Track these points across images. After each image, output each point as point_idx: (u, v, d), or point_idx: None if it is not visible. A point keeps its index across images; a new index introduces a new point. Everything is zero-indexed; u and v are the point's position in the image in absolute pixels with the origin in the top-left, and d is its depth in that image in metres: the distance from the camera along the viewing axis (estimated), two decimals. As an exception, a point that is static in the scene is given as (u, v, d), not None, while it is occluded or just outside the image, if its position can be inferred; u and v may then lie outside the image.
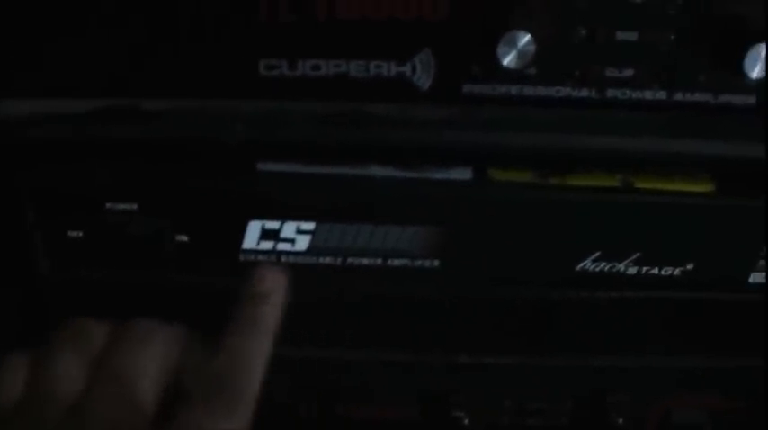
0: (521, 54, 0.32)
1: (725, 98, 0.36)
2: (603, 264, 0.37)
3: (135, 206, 0.37)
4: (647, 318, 0.39)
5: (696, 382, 0.44)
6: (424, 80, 0.35)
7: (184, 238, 0.37)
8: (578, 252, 0.37)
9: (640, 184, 0.36)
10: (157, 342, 0.30)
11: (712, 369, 0.43)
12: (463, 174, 0.36)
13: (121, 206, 0.37)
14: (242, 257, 0.37)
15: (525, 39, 0.32)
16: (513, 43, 0.32)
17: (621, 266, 0.37)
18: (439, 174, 0.36)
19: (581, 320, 0.38)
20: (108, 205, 0.37)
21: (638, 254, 0.37)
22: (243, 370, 0.29)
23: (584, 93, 0.35)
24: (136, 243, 0.38)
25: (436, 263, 0.37)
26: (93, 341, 0.30)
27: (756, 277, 0.39)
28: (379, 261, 0.37)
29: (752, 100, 0.36)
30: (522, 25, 0.32)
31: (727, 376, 0.44)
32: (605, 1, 0.33)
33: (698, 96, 0.36)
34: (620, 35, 0.34)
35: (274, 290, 0.31)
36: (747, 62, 0.33)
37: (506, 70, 0.33)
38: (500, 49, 0.32)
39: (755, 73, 0.33)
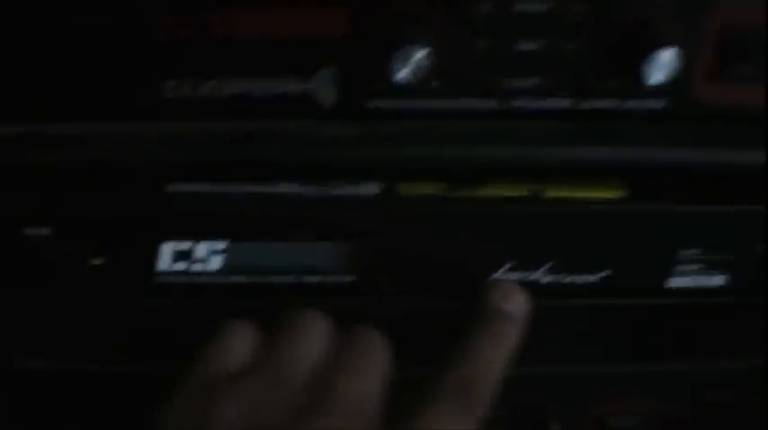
0: (416, 69, 0.32)
1: (632, 104, 0.36)
2: (518, 273, 0.37)
3: (50, 231, 0.37)
4: (568, 325, 0.39)
5: (629, 388, 0.44)
6: (327, 97, 0.35)
7: (99, 262, 0.37)
8: (492, 262, 0.37)
9: (550, 193, 0.36)
10: (377, 354, 0.33)
11: (643, 374, 0.43)
12: (372, 188, 0.36)
13: (36, 231, 0.37)
14: (157, 279, 0.37)
15: (420, 53, 0.32)
16: (407, 58, 0.32)
17: (536, 275, 0.37)
18: (347, 190, 0.36)
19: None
20: (23, 230, 0.37)
21: (552, 262, 0.37)
22: (487, 378, 0.32)
23: (489, 104, 0.35)
24: (51, 267, 0.38)
25: (350, 278, 0.37)
26: (321, 343, 0.33)
27: (676, 281, 0.39)
28: (294, 278, 0.37)
29: (659, 105, 0.36)
30: (419, 40, 0.32)
31: (659, 380, 0.44)
32: (505, 12, 0.33)
33: (604, 103, 0.36)
34: (522, 45, 0.34)
35: (521, 312, 0.35)
36: (648, 69, 0.33)
37: (404, 85, 0.33)
38: (395, 65, 0.32)
39: (656, 79, 0.33)
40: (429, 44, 0.32)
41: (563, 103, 0.35)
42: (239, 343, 0.33)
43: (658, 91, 0.36)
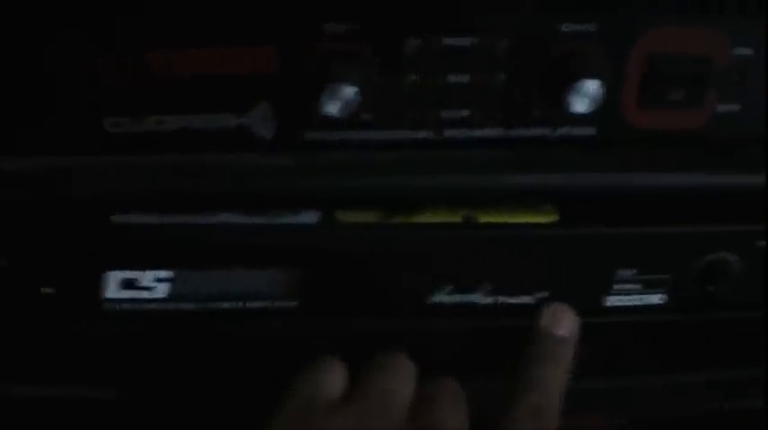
0: (344, 105, 0.33)
1: (562, 131, 0.37)
2: (457, 296, 0.38)
3: (5, 261, 0.38)
4: (510, 346, 0.40)
5: (576, 403, 0.45)
6: (264, 130, 0.36)
7: (50, 290, 0.39)
8: (430, 286, 0.38)
9: (483, 219, 0.37)
10: (461, 396, 0.34)
11: (589, 390, 0.44)
12: (311, 217, 0.37)
13: (-9, 261, 0.39)
14: (105, 306, 0.38)
15: (349, 89, 0.33)
16: (336, 94, 0.33)
17: (475, 297, 0.39)
18: (287, 219, 0.37)
19: (440, 351, 0.39)
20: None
21: (490, 285, 0.38)
22: (554, 401, 0.34)
23: (421, 134, 0.36)
24: (4, 297, 0.39)
25: (294, 303, 0.38)
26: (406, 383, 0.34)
27: (613, 300, 0.40)
28: (239, 304, 0.38)
29: (590, 131, 0.37)
30: (347, 76, 0.33)
31: (606, 396, 0.45)
32: (432, 48, 0.34)
33: (534, 131, 0.37)
34: (451, 79, 0.35)
35: (572, 333, 0.37)
36: (572, 99, 0.34)
37: (338, 118, 0.34)
38: (323, 101, 0.33)
39: (580, 108, 0.34)
40: (357, 80, 0.33)
41: (494, 132, 0.36)
42: (335, 376, 0.34)
43: (588, 118, 0.37)
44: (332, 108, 0.33)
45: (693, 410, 0.48)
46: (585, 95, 0.34)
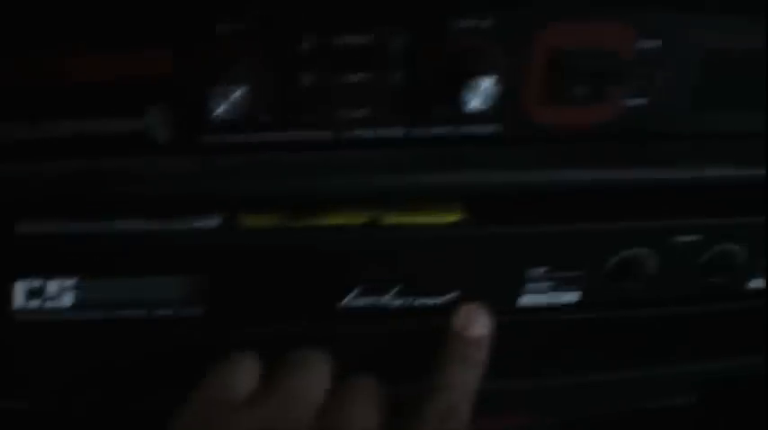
0: (233, 106, 0.32)
1: (465, 130, 0.37)
2: (366, 298, 0.38)
3: None
4: (422, 348, 0.39)
5: (504, 404, 0.45)
6: (161, 134, 0.35)
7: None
8: (339, 289, 0.37)
9: (388, 220, 0.36)
10: (375, 396, 0.34)
11: (516, 390, 0.44)
12: (213, 221, 0.36)
13: None
14: (15, 317, 0.38)
15: (238, 91, 0.32)
16: (224, 96, 0.32)
17: (386, 299, 0.38)
18: (189, 224, 0.36)
19: (352, 355, 0.39)
20: None
21: (399, 286, 0.38)
22: (464, 401, 0.34)
23: (321, 135, 0.36)
24: None
25: (201, 310, 0.38)
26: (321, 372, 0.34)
27: (526, 299, 0.40)
28: (146, 311, 0.38)
29: (493, 129, 0.37)
30: (236, 78, 0.33)
31: (534, 396, 0.44)
32: (326, 47, 0.34)
33: (437, 130, 0.36)
34: (348, 78, 0.35)
35: (485, 334, 0.36)
36: (468, 96, 0.33)
37: (236, 120, 0.34)
38: (212, 103, 0.32)
39: (476, 106, 0.34)
40: (248, 82, 0.33)
41: (395, 131, 0.36)
42: (244, 374, 0.34)
43: (491, 115, 0.36)
44: (220, 110, 0.32)
45: (621, 408, 0.48)
46: (481, 93, 0.33)
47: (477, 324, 0.36)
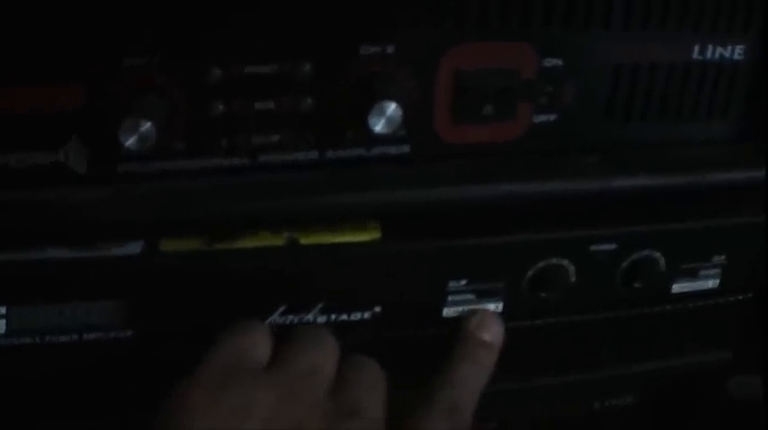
0: (142, 138, 0.33)
1: (377, 151, 0.38)
2: (291, 316, 0.39)
3: None
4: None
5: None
6: (78, 165, 0.36)
7: None
8: (264, 308, 0.38)
9: (305, 240, 0.38)
10: (379, 374, 0.35)
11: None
12: (134, 247, 0.37)
13: None
14: (-50, 345, 0.39)
15: (148, 123, 0.33)
16: (135, 127, 0.33)
17: (310, 317, 0.39)
18: (112, 251, 0.37)
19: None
20: None
21: (322, 304, 0.39)
22: (469, 401, 0.35)
23: (236, 161, 0.37)
24: None
25: (129, 333, 0.39)
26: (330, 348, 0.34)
27: (450, 311, 0.41)
28: (75, 337, 0.39)
29: (405, 149, 0.38)
30: (144, 110, 0.34)
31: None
32: (236, 76, 0.35)
33: (349, 152, 0.37)
34: (258, 105, 0.36)
35: (497, 339, 0.37)
36: (372, 119, 0.34)
37: (151, 149, 0.35)
38: (122, 135, 0.33)
39: (381, 129, 0.35)
40: (157, 113, 0.34)
41: (308, 155, 0.37)
42: (261, 340, 0.34)
43: (402, 136, 0.37)
44: (131, 141, 0.33)
45: (564, 411, 0.49)
46: (386, 116, 0.34)
47: (492, 329, 0.38)
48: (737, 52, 0.41)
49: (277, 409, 0.31)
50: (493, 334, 0.38)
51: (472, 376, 0.36)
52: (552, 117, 0.39)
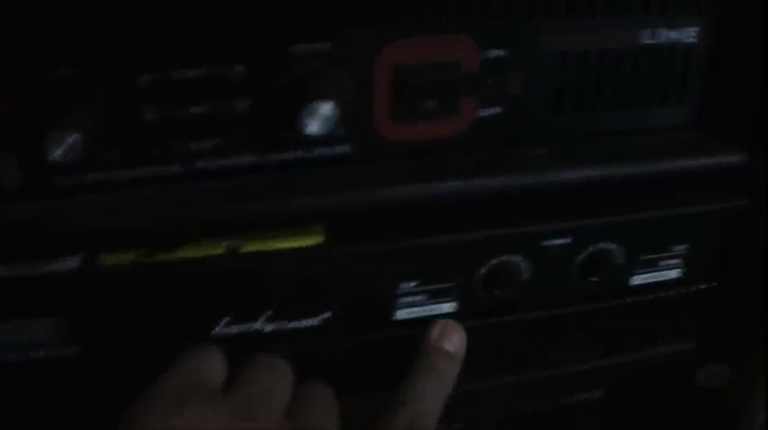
0: (73, 147, 0.32)
1: (318, 152, 0.37)
2: (238, 326, 0.38)
3: None
4: (301, 370, 0.39)
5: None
6: (12, 179, 0.35)
7: None
8: (209, 318, 0.38)
9: (247, 248, 0.37)
10: (331, 397, 0.35)
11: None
12: (72, 262, 0.36)
13: None
14: None
15: (77, 134, 0.32)
16: (64, 138, 0.32)
17: (257, 326, 0.38)
18: (51, 266, 0.36)
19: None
20: None
21: (270, 311, 0.38)
22: (431, 412, 0.35)
23: (173, 169, 0.36)
24: None
25: (75, 349, 0.38)
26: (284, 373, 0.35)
27: (402, 314, 0.40)
28: (21, 354, 0.38)
29: (346, 149, 0.37)
30: (73, 120, 0.33)
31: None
32: (167, 81, 0.34)
33: (289, 154, 0.36)
34: (193, 110, 0.35)
35: (459, 350, 0.37)
36: (306, 120, 0.33)
37: (84, 160, 0.34)
38: (48, 147, 0.32)
39: (313, 129, 0.33)
40: (91, 122, 0.33)
41: (247, 158, 0.36)
42: (216, 364, 0.34)
43: (343, 137, 0.36)
44: (59, 152, 0.32)
45: (524, 409, 0.48)
46: (319, 117, 0.33)
47: (454, 338, 0.37)
48: (690, 35, 0.40)
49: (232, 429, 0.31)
50: (455, 343, 0.37)
51: (435, 389, 0.36)
52: (498, 110, 0.38)
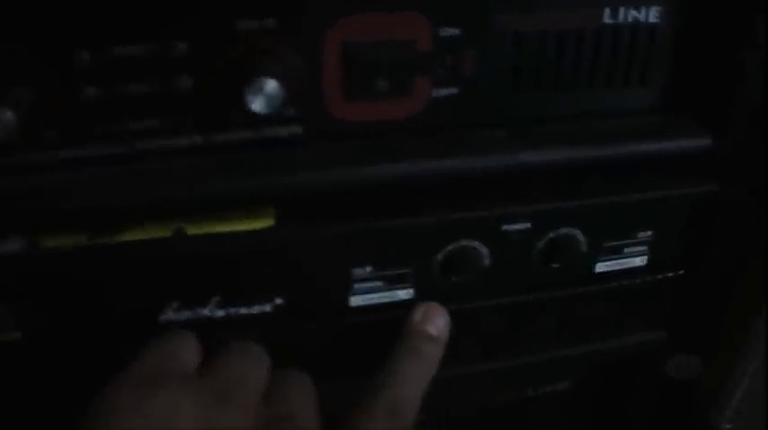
0: (2, 128, 0.30)
1: (268, 132, 0.36)
2: (187, 312, 0.37)
3: None
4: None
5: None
6: (-52, 160, 0.34)
7: None
8: (156, 303, 0.36)
9: (194, 231, 0.35)
10: (309, 383, 0.35)
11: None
12: (14, 245, 0.35)
13: None
14: None
15: (7, 116, 0.30)
16: (-2, 117, 0.31)
17: (206, 312, 0.37)
18: (-10, 249, 0.35)
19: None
20: None
21: (218, 297, 0.37)
22: (412, 396, 0.34)
23: (114, 149, 0.35)
24: None
25: (19, 335, 0.37)
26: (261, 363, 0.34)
27: (357, 300, 0.39)
28: (-39, 341, 0.37)
29: (296, 130, 0.36)
30: (12, 98, 0.31)
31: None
32: (105, 58, 0.33)
33: (236, 135, 0.35)
34: (133, 88, 0.33)
35: (442, 333, 0.37)
36: (251, 98, 0.32)
37: (19, 140, 0.32)
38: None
39: (260, 108, 0.32)
40: (28, 99, 0.32)
41: (192, 139, 0.35)
42: (190, 349, 0.34)
43: (293, 116, 0.35)
44: (-8, 132, 0.31)
45: (488, 401, 0.47)
46: (264, 95, 0.32)
47: (437, 322, 0.37)
48: (653, 14, 0.39)
49: (207, 413, 0.31)
50: (438, 326, 0.37)
51: (416, 372, 0.35)
52: (453, 90, 0.36)
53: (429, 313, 0.37)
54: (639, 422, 0.52)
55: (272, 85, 0.32)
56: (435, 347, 0.36)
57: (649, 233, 0.42)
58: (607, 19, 0.38)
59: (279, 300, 0.37)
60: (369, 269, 0.38)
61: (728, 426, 0.49)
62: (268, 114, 0.33)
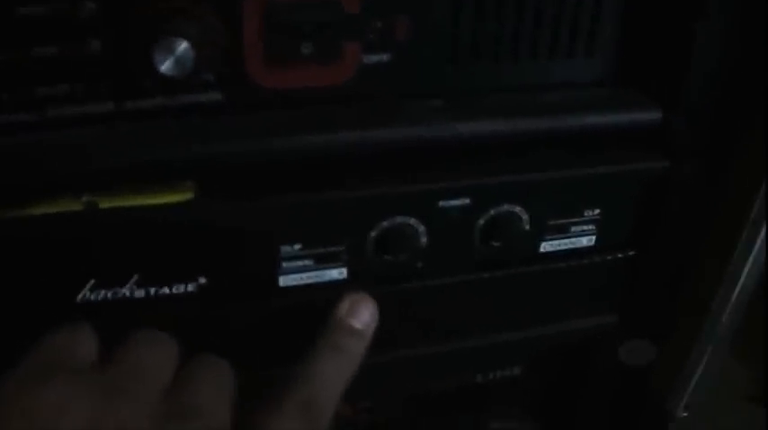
0: None
1: (185, 99, 0.34)
2: (104, 291, 0.35)
3: None
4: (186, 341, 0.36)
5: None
6: None
7: None
8: (71, 283, 0.34)
9: (106, 204, 0.33)
10: (225, 373, 0.32)
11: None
12: None
13: None
14: None
15: None
16: None
17: (125, 291, 0.35)
18: None
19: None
20: None
21: (136, 276, 0.35)
22: (327, 395, 0.32)
23: (21, 116, 0.32)
24: None
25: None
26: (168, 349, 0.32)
27: (288, 280, 0.37)
28: None
29: (216, 97, 0.34)
30: None
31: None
32: (6, 19, 0.30)
33: (152, 102, 0.33)
34: (38, 51, 0.31)
35: (367, 325, 0.34)
36: (160, 60, 0.30)
37: None
38: None
39: (170, 70, 0.30)
40: None
41: (104, 106, 0.33)
42: (83, 340, 0.31)
43: (213, 83, 0.33)
44: None
45: (437, 387, 0.46)
46: (173, 56, 0.30)
47: (363, 314, 0.34)
48: (599, -19, 0.37)
49: (99, 409, 0.28)
50: (363, 320, 0.34)
51: (335, 368, 0.33)
52: (385, 57, 0.35)
53: (355, 305, 0.35)
54: (595, 410, 0.50)
55: (182, 45, 0.30)
56: (358, 341, 0.34)
57: (597, 211, 0.40)
58: (550, -16, 0.36)
59: (202, 280, 0.35)
60: (298, 247, 0.36)
61: (685, 414, 0.47)
62: (182, 79, 0.31)
